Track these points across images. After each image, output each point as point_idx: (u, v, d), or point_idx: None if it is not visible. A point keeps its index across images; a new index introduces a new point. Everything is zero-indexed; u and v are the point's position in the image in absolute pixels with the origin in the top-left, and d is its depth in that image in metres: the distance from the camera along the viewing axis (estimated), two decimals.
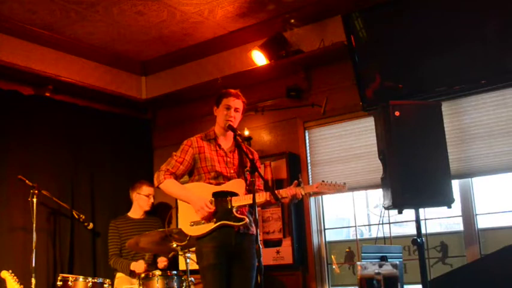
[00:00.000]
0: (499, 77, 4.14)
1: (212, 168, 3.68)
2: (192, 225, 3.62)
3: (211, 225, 3.58)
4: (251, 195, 3.44)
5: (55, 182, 5.11)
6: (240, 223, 3.57)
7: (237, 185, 3.65)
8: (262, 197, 3.56)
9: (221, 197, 3.62)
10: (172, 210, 5.51)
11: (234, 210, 3.58)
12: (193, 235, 3.64)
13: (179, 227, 3.75)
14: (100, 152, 5.60)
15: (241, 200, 3.59)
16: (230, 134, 3.78)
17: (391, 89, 4.55)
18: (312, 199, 5.05)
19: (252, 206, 3.52)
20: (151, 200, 5.21)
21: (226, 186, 3.66)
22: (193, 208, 3.60)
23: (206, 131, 3.87)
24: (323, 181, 3.56)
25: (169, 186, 3.68)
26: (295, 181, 3.57)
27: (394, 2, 4.48)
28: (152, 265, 4.93)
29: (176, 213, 5.65)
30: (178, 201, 3.80)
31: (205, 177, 3.70)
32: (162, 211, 5.61)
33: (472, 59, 4.18)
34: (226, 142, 3.81)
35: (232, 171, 3.72)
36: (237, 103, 3.76)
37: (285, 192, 3.55)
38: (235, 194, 3.62)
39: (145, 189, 5.16)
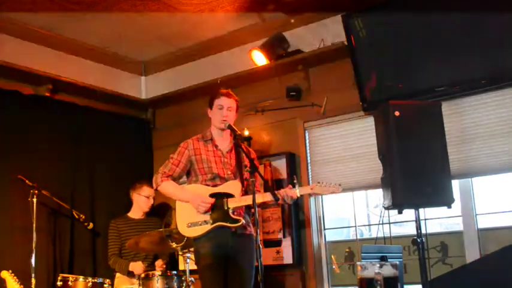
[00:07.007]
0: (499, 77, 4.14)
1: (209, 170, 3.73)
2: (189, 227, 3.67)
3: (208, 227, 3.63)
4: (247, 196, 3.54)
5: (55, 182, 5.10)
6: (236, 224, 3.61)
7: (233, 187, 3.70)
8: (259, 198, 3.59)
9: (217, 199, 3.65)
10: (172, 211, 5.52)
11: (230, 211, 3.62)
12: (189, 236, 3.71)
13: (177, 227, 3.78)
14: (100, 152, 5.59)
15: (237, 201, 3.63)
16: (227, 134, 3.82)
17: (391, 89, 4.55)
18: (311, 199, 5.05)
19: (249, 207, 3.60)
20: (151, 201, 5.20)
21: (223, 188, 3.70)
22: (192, 206, 3.65)
23: (203, 132, 3.90)
24: (318, 182, 3.65)
25: (167, 188, 3.77)
26: (290, 184, 3.65)
27: (394, 2, 4.47)
28: (151, 266, 4.93)
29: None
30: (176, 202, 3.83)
31: (202, 178, 3.75)
32: (162, 212, 5.60)
33: (472, 58, 4.18)
34: (223, 142, 3.84)
35: (229, 172, 3.76)
36: (230, 102, 3.79)
37: (280, 193, 3.60)
38: (232, 196, 3.66)
39: (146, 190, 5.15)
